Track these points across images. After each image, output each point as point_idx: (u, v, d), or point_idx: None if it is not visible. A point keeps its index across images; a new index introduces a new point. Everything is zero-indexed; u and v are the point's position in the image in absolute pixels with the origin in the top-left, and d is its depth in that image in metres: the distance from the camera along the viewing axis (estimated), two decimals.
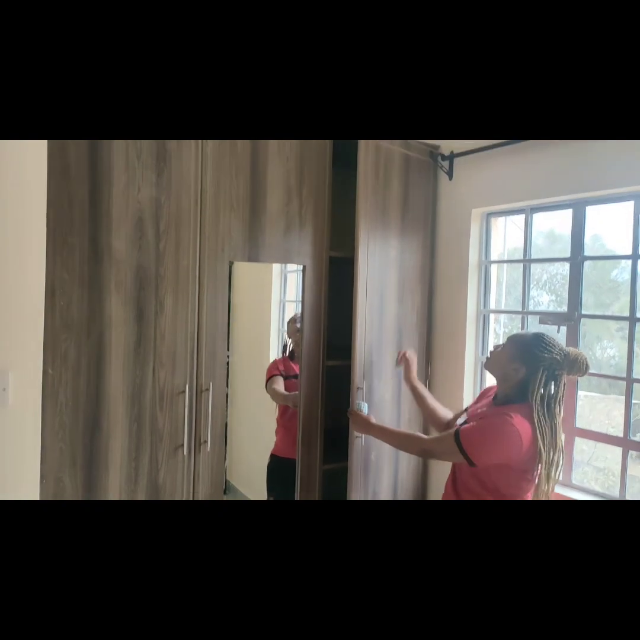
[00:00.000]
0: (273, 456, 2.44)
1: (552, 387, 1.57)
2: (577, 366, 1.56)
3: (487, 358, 1.74)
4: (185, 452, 1.94)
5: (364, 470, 2.31)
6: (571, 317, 2.06)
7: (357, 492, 2.28)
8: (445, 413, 2.04)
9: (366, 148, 2.22)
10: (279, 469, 2.41)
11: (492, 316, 2.44)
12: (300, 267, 2.23)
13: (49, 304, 1.67)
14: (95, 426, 1.79)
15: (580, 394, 2.11)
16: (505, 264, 2.46)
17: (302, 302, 2.23)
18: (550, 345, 1.58)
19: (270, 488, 2.43)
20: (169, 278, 1.88)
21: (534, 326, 2.28)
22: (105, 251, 1.77)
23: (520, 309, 2.30)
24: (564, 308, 2.12)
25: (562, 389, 1.58)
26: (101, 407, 1.79)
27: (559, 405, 1.58)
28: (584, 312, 2.07)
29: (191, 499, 1.97)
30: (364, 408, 2.07)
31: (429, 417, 2.08)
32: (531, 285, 2.30)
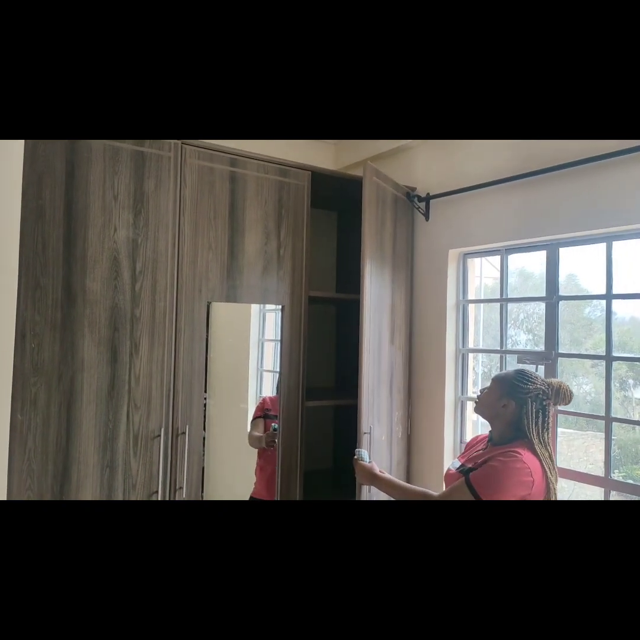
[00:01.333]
0: (252, 499, 2.38)
1: (541, 417, 1.62)
2: (562, 395, 1.63)
3: (475, 402, 1.75)
4: (159, 498, 1.87)
5: None
6: (548, 356, 2.08)
7: None
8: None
9: (371, 185, 2.10)
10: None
11: (471, 355, 2.45)
12: (279, 306, 2.22)
13: (19, 347, 1.63)
14: (65, 474, 1.72)
15: (559, 431, 2.10)
16: (482, 304, 2.49)
17: (281, 341, 2.21)
18: (533, 377, 1.65)
19: None
20: (145, 319, 1.85)
21: (512, 365, 2.29)
22: (79, 292, 1.73)
23: (498, 348, 2.31)
24: (541, 346, 2.14)
25: (550, 418, 1.63)
26: (71, 454, 1.73)
27: (549, 435, 1.63)
28: (560, 350, 2.08)
29: None
30: (365, 456, 1.89)
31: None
32: (508, 324, 2.32)
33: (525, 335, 2.46)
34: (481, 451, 1.71)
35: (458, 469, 1.70)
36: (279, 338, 2.24)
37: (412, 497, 1.74)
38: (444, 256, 2.41)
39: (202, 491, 2.02)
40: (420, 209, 2.50)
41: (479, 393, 1.75)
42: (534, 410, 1.61)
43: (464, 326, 2.44)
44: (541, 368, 2.12)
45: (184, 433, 1.92)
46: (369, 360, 2.10)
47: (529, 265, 2.36)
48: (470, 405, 2.44)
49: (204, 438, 2.04)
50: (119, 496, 1.80)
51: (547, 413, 1.62)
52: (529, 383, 1.62)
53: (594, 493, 2.21)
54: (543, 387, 1.62)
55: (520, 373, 1.66)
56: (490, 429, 1.73)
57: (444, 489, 1.82)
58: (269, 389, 2.67)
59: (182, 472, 1.91)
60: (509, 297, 2.30)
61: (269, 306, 2.69)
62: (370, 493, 2.04)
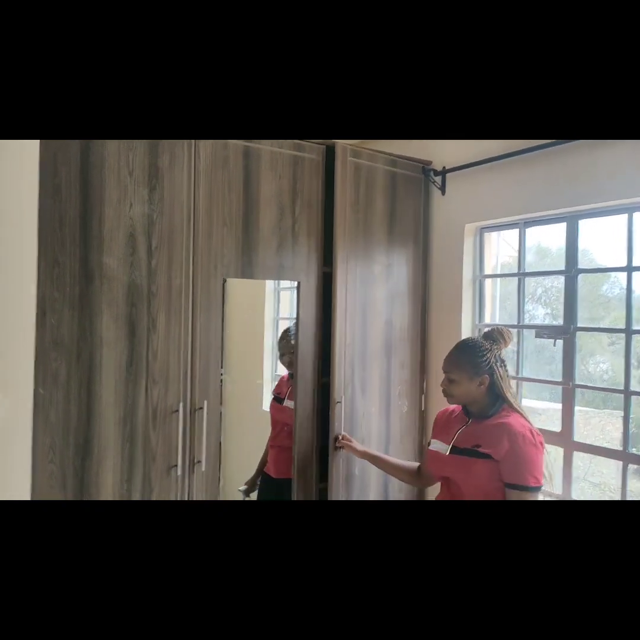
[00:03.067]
0: (264, 474, 2.41)
1: (505, 370, 1.70)
2: (505, 336, 1.72)
3: (448, 397, 1.74)
4: (179, 472, 1.90)
5: (346, 486, 2.28)
6: (567, 331, 2.06)
7: None
8: (410, 464, 2.05)
9: (343, 167, 2.22)
10: (269, 488, 2.38)
11: None
12: (294, 283, 2.21)
13: (40, 323, 1.65)
14: (87, 447, 1.76)
15: (575, 409, 2.09)
16: (499, 279, 2.46)
17: (297, 318, 2.21)
18: (479, 343, 1.71)
19: None
20: (161, 295, 1.87)
21: (529, 340, 2.27)
22: (96, 269, 1.75)
23: (515, 323, 2.29)
24: (559, 321, 2.11)
25: (505, 364, 1.72)
26: (92, 428, 1.76)
27: (509, 382, 1.72)
28: (578, 324, 2.06)
29: None
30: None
31: (397, 474, 2.05)
32: (526, 299, 2.30)
33: (543, 309, 2.43)
34: (464, 428, 1.71)
35: (452, 451, 1.69)
36: (294, 316, 2.25)
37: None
38: (460, 231, 2.39)
39: (220, 466, 2.05)
40: (436, 184, 2.46)
41: (443, 387, 1.74)
42: (501, 369, 1.68)
43: (481, 301, 2.42)
44: (559, 343, 2.10)
45: (201, 408, 1.95)
46: (344, 332, 2.24)
47: (546, 242, 2.32)
48: None
49: (221, 413, 2.06)
50: (139, 470, 1.84)
51: (504, 363, 1.71)
52: (484, 350, 1.68)
53: (610, 468, 2.20)
54: (494, 344, 1.69)
55: (466, 349, 1.70)
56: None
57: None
58: (283, 367, 2.69)
59: (201, 447, 1.94)
60: (526, 271, 2.27)
61: (283, 285, 2.69)
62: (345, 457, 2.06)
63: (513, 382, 2.28)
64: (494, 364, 1.67)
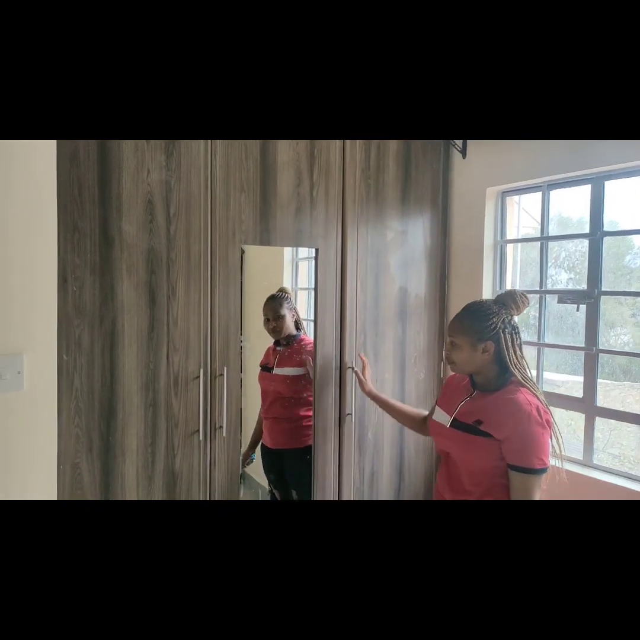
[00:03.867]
0: (262, 446, 2.42)
1: (516, 337, 1.55)
2: (519, 299, 1.56)
3: (450, 364, 1.62)
4: (200, 438, 1.93)
5: (359, 448, 2.29)
6: (591, 295, 2.02)
7: (350, 470, 2.28)
8: (417, 411, 1.96)
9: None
10: (270, 458, 2.41)
11: None
12: (312, 254, 2.20)
13: (62, 289, 1.66)
14: (111, 412, 1.79)
15: (598, 375, 2.07)
16: (520, 245, 2.41)
17: (315, 287, 2.20)
18: (486, 305, 1.56)
19: (267, 476, 2.44)
20: (180, 262, 1.87)
21: (552, 306, 2.24)
22: (116, 235, 1.75)
23: (537, 289, 2.26)
24: (583, 286, 2.07)
25: (519, 332, 1.57)
26: (116, 393, 1.79)
27: (523, 354, 1.57)
28: (602, 288, 2.02)
29: (208, 485, 1.96)
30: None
31: (403, 419, 1.97)
32: (549, 264, 2.26)
33: (567, 274, 2.39)
34: (468, 399, 1.59)
35: (453, 425, 1.59)
36: (312, 286, 2.24)
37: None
38: (481, 195, 2.34)
39: (241, 431, 2.08)
40: (457, 147, 2.41)
41: (446, 354, 1.64)
42: (509, 337, 1.53)
43: (502, 267, 2.38)
44: (583, 308, 2.07)
45: (222, 375, 1.96)
46: (354, 298, 2.25)
47: (568, 211, 2.27)
48: None
49: (241, 380, 2.07)
50: (162, 435, 1.87)
51: (517, 331, 1.56)
52: (490, 316, 1.53)
53: (630, 440, 2.18)
54: (503, 309, 1.54)
55: (473, 313, 1.56)
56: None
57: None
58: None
59: (222, 413, 1.96)
60: (549, 235, 2.23)
61: (301, 254, 2.68)
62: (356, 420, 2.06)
63: (532, 350, 2.26)
64: (501, 330, 1.52)
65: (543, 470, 1.45)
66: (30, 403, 1.41)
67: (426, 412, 1.90)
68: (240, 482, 2.16)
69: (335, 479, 2.25)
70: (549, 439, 1.48)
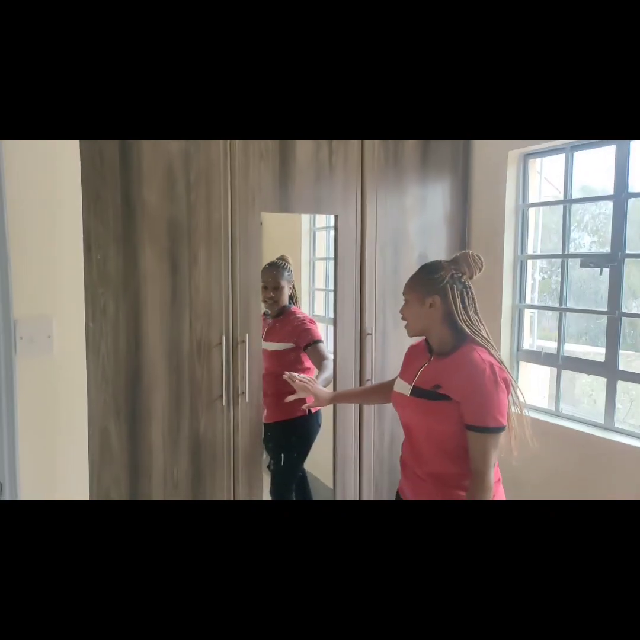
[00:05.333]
0: (264, 424, 2.25)
1: (466, 296, 1.51)
2: (472, 260, 1.51)
3: (405, 326, 1.59)
4: (223, 403, 1.97)
5: (378, 413, 2.32)
6: (614, 258, 1.99)
7: (370, 435, 2.32)
8: (382, 383, 1.88)
9: None
10: (269, 434, 2.31)
11: (529, 262, 2.37)
12: (330, 223, 2.19)
13: (86, 259, 1.69)
14: (136, 378, 1.83)
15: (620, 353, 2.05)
16: (542, 209, 2.38)
17: (335, 254, 2.20)
18: (437, 264, 1.54)
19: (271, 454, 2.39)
20: (201, 230, 1.88)
21: (574, 270, 2.21)
22: (137, 204, 1.77)
23: (559, 253, 2.23)
24: (607, 249, 2.04)
25: (473, 294, 1.53)
26: (141, 360, 1.83)
27: (477, 312, 1.53)
28: (627, 251, 1.99)
29: (231, 450, 2.01)
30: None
31: (379, 398, 1.89)
32: (572, 228, 2.22)
33: (590, 237, 2.35)
34: (426, 365, 1.55)
35: (413, 393, 1.54)
36: (329, 256, 2.23)
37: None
38: (503, 158, 2.30)
39: (263, 397, 2.11)
40: None
41: (401, 314, 1.59)
42: (458, 293, 1.49)
43: (524, 231, 2.35)
44: (606, 272, 2.04)
45: (243, 341, 1.99)
46: (374, 264, 2.25)
47: (591, 180, 2.22)
48: (528, 315, 2.39)
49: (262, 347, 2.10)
50: (186, 400, 1.91)
51: (469, 290, 1.52)
52: (438, 270, 1.50)
53: None
54: (451, 265, 1.51)
55: (422, 268, 1.55)
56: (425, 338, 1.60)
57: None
58: (321, 307, 2.71)
59: (244, 378, 2.00)
60: (573, 198, 2.19)
61: (319, 224, 2.67)
62: None
63: (553, 318, 2.24)
64: (448, 285, 1.48)
65: (497, 429, 1.43)
66: (60, 367, 1.45)
67: (389, 380, 1.81)
68: (263, 447, 2.21)
69: (356, 444, 2.28)
70: (506, 398, 1.45)
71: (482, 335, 1.51)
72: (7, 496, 1.43)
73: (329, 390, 1.98)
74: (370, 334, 2.24)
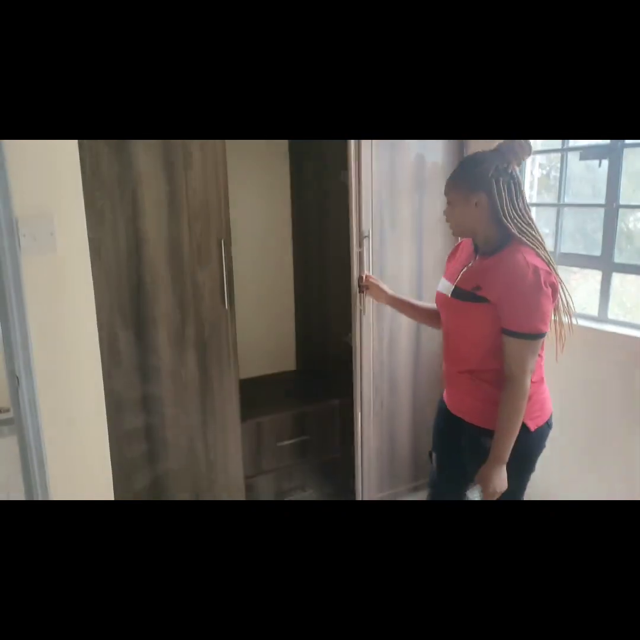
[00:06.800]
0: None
1: (514, 188, 1.42)
2: (519, 149, 1.41)
3: (451, 230, 1.54)
4: (226, 307, 2.00)
5: (377, 314, 2.33)
6: (614, 148, 1.97)
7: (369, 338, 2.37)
8: (432, 305, 1.79)
9: None
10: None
11: (528, 158, 2.34)
12: None
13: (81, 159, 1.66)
14: (140, 283, 1.85)
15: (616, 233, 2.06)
16: None
17: None
18: (480, 153, 1.45)
19: None
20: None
21: (574, 162, 2.19)
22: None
23: (559, 147, 2.20)
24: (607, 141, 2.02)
25: (519, 184, 1.44)
26: (142, 265, 1.84)
27: (527, 204, 1.45)
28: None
29: (237, 354, 2.05)
30: (476, 495, 1.64)
31: (429, 321, 1.83)
32: None
33: None
34: (470, 266, 1.51)
35: (453, 294, 1.52)
36: None
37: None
38: None
39: None
40: None
41: (445, 216, 1.53)
42: (505, 187, 1.40)
43: None
44: (605, 164, 2.02)
45: None
46: (369, 169, 2.16)
47: None
48: None
49: None
50: (190, 305, 1.94)
51: (516, 181, 1.42)
52: (481, 163, 1.41)
53: None
54: (496, 156, 1.41)
55: (464, 163, 1.46)
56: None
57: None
58: None
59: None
60: None
61: None
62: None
63: (551, 214, 2.24)
64: (494, 179, 1.39)
65: (534, 336, 1.38)
66: (65, 266, 1.46)
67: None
68: None
69: (357, 349, 2.31)
70: (550, 303, 1.39)
71: (530, 233, 1.42)
72: (24, 391, 1.49)
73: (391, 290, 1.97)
74: (367, 236, 2.24)
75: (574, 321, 1.48)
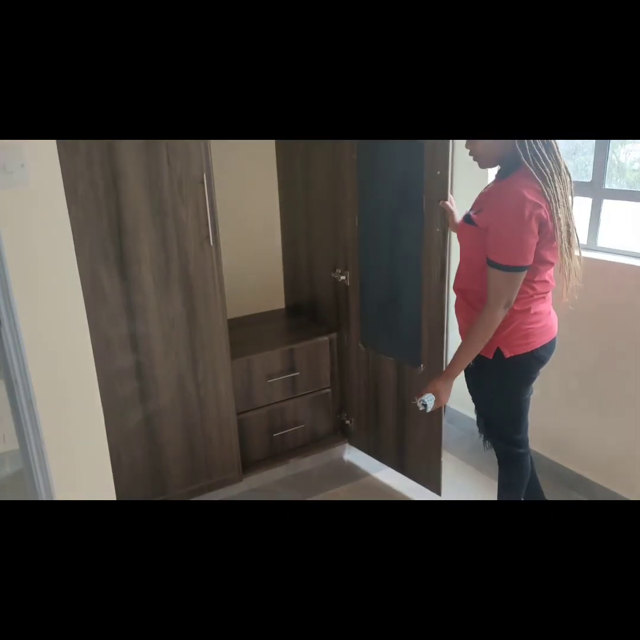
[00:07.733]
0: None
1: None
2: None
3: (478, 162, 1.53)
4: (211, 244, 1.96)
5: None
6: None
7: None
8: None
9: None
10: None
11: None
12: None
13: None
14: (120, 220, 1.80)
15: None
16: None
17: None
18: None
19: None
20: None
21: None
22: None
23: None
24: None
25: None
26: (121, 200, 1.78)
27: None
28: None
29: (223, 289, 2.02)
30: (429, 402, 1.62)
31: None
32: None
33: None
34: (485, 190, 1.58)
35: (464, 217, 1.57)
36: None
37: (476, 338, 1.52)
38: None
39: None
40: None
41: (469, 152, 1.53)
42: None
43: None
44: None
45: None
46: None
47: None
48: None
49: None
50: (173, 242, 1.89)
51: None
52: None
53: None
54: None
55: None
56: None
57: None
58: None
59: None
60: None
61: None
62: None
63: None
64: None
65: (511, 268, 1.38)
66: (38, 201, 1.40)
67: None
68: None
69: (354, 286, 2.31)
70: (533, 237, 1.37)
71: (540, 163, 1.37)
72: (7, 334, 1.46)
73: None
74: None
75: (574, 262, 1.48)
